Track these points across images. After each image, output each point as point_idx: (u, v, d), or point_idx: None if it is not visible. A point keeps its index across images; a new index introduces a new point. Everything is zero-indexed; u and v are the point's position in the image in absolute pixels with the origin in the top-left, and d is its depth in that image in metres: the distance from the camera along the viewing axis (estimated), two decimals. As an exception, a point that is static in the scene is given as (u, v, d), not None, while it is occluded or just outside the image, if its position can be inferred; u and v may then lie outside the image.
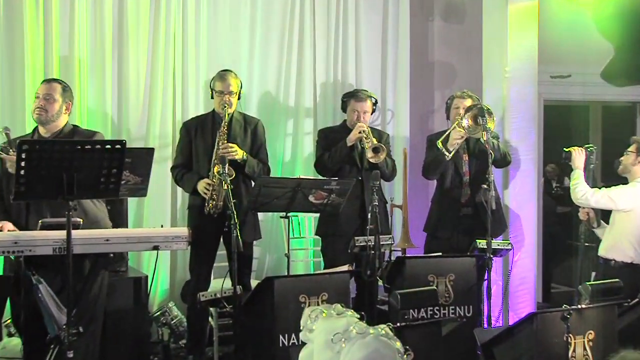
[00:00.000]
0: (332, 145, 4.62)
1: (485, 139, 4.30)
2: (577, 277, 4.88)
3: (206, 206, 4.26)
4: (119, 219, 4.08)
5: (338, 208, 4.18)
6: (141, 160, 3.40)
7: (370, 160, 4.45)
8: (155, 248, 3.31)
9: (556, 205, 6.74)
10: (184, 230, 3.38)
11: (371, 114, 4.76)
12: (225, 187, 3.73)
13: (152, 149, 3.55)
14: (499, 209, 4.78)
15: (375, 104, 4.76)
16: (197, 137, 4.40)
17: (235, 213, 3.61)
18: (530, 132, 5.28)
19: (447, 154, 4.53)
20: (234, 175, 4.09)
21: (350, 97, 4.71)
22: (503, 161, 4.77)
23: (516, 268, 5.05)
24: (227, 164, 3.86)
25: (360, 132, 4.53)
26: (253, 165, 4.36)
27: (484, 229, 4.21)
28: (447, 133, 4.60)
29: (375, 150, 4.47)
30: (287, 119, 5.33)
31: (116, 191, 3.07)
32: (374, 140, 4.53)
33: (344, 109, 4.76)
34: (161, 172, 4.80)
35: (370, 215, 4.02)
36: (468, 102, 4.69)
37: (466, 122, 4.48)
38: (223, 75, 4.41)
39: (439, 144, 4.52)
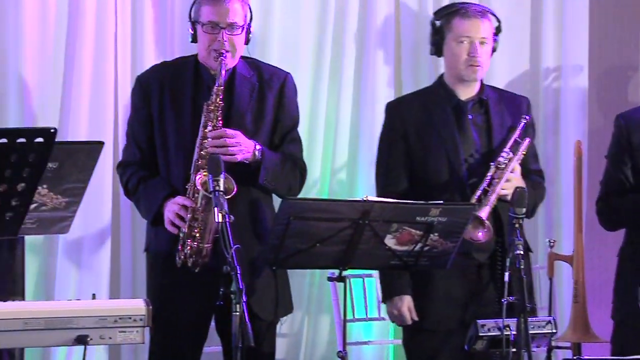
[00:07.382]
0: None
1: None
2: None
3: (179, 252, 4.29)
4: (4, 281, 4.06)
5: (443, 262, 4.26)
6: (77, 165, 3.48)
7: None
8: (81, 341, 3.32)
9: None
10: (137, 305, 3.43)
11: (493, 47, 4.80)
12: (221, 218, 3.77)
13: (100, 144, 3.69)
14: None
15: (498, 28, 4.81)
16: (165, 105, 4.48)
17: (237, 270, 3.65)
18: None
19: None
20: (234, 192, 4.12)
21: (452, 15, 4.76)
22: None
23: None
24: (223, 172, 3.92)
25: None
26: (276, 169, 4.43)
27: None
28: None
29: None
30: (334, 73, 5.55)
31: (15, 226, 3.13)
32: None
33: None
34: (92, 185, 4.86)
35: (507, 275, 4.12)
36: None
37: None
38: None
39: None
